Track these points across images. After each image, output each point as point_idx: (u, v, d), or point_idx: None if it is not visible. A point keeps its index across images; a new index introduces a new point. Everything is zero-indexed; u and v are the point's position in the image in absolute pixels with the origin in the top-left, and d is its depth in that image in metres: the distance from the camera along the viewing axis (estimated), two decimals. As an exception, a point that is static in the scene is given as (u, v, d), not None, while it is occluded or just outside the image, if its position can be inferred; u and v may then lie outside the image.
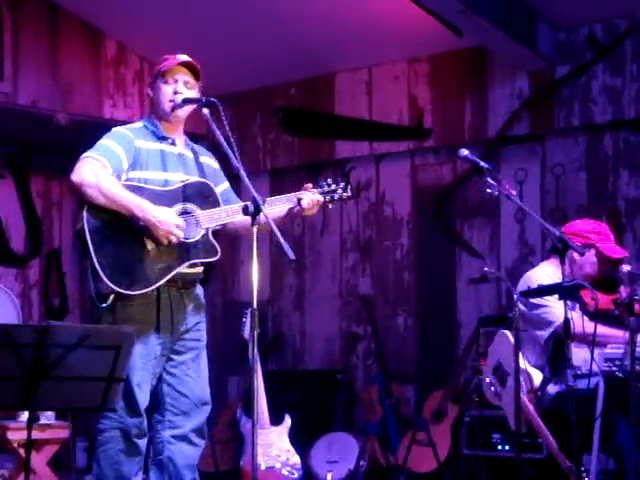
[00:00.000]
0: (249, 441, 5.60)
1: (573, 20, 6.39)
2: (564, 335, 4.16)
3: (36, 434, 5.33)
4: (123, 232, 3.86)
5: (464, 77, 6.90)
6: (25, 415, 5.04)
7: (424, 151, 7.21)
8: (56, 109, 7.02)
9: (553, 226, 4.53)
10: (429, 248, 7.20)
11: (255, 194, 3.73)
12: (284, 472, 5.67)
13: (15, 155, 7.96)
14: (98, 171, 3.85)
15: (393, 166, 7.33)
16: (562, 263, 4.30)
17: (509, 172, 6.69)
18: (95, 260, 3.80)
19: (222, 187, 4.16)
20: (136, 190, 3.89)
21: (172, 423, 4.04)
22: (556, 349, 4.76)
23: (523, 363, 4.57)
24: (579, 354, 4.56)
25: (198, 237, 3.93)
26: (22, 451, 5.45)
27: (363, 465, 6.48)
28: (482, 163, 4.32)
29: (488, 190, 4.28)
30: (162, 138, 4.06)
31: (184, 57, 4.08)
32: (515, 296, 4.49)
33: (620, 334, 4.61)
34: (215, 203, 3.99)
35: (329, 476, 6.52)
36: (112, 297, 3.84)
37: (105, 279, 3.79)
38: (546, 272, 4.89)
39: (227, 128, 3.86)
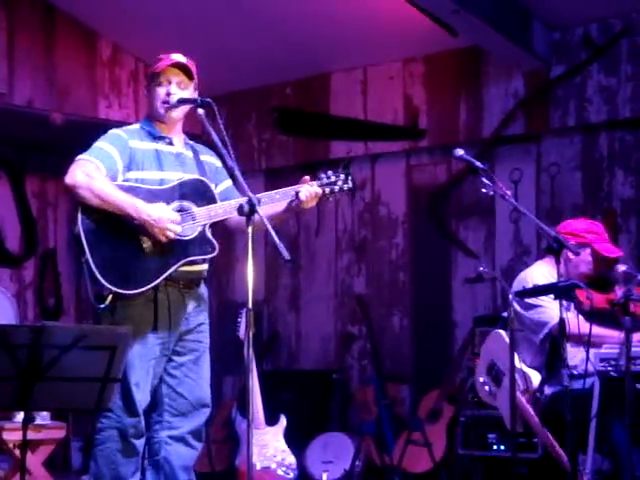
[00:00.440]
0: (244, 441, 5.59)
1: (568, 20, 6.40)
2: (559, 335, 4.16)
3: (31, 434, 5.32)
4: (118, 232, 3.86)
5: (459, 77, 6.91)
6: (20, 415, 5.05)
7: (419, 151, 7.21)
8: (51, 109, 7.02)
9: (548, 226, 4.53)
10: (424, 248, 7.20)
11: (250, 194, 3.72)
12: (279, 472, 5.67)
13: (10, 155, 7.95)
14: (91, 173, 3.85)
15: (388, 166, 7.34)
16: (557, 263, 4.30)
17: (504, 172, 6.70)
18: (91, 261, 3.80)
19: (224, 185, 4.14)
20: (131, 190, 3.89)
21: (170, 424, 4.04)
22: (552, 349, 4.76)
23: (519, 363, 4.57)
24: (575, 354, 4.57)
25: (195, 234, 3.92)
26: (17, 452, 5.44)
27: (358, 465, 6.48)
28: (477, 163, 4.32)
29: (483, 190, 4.28)
30: (159, 138, 4.05)
31: (177, 57, 4.07)
32: (510, 296, 4.50)
33: (615, 334, 4.61)
34: (212, 200, 3.98)
35: (324, 476, 6.52)
36: (110, 297, 3.84)
37: (102, 280, 3.79)
38: (541, 272, 4.89)
39: (222, 128, 3.86)
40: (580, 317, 4.55)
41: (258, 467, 5.58)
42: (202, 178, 4.02)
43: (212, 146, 3.93)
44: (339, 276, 7.55)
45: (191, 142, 4.17)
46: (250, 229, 3.65)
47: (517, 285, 4.83)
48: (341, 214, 7.55)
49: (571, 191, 6.55)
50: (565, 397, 4.08)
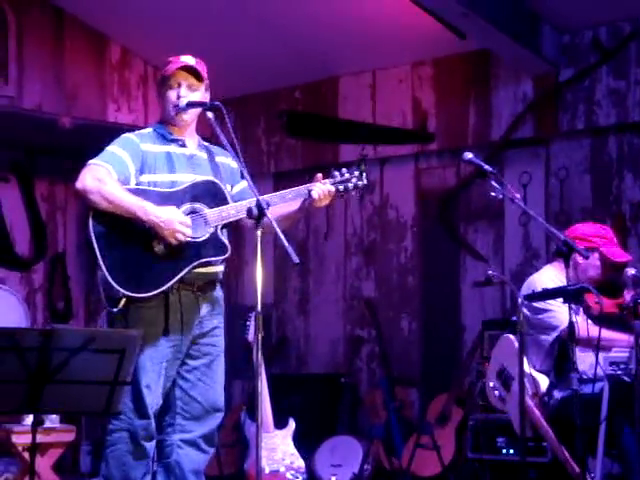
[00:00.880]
0: (253, 445, 5.60)
1: (577, 23, 6.39)
2: (569, 339, 4.16)
3: (41, 438, 5.34)
4: (130, 236, 3.86)
5: (468, 80, 6.90)
6: (30, 419, 5.06)
7: (428, 154, 7.21)
8: (60, 113, 7.03)
9: (557, 229, 4.53)
10: (433, 251, 7.20)
11: (259, 197, 3.72)
12: (288, 476, 5.67)
13: (20, 159, 7.97)
14: (101, 177, 3.86)
15: (397, 169, 7.33)
16: (566, 266, 4.29)
17: (513, 175, 6.69)
18: (103, 265, 3.82)
19: (240, 186, 4.11)
20: (142, 193, 3.89)
21: (182, 427, 4.03)
22: (561, 353, 4.76)
23: (528, 367, 4.57)
24: (584, 359, 4.56)
25: (207, 236, 3.92)
26: (27, 455, 5.45)
27: (367, 469, 6.48)
28: (486, 166, 4.31)
29: (492, 193, 4.28)
30: (171, 140, 4.06)
31: (187, 59, 4.06)
32: (520, 300, 4.49)
33: (625, 338, 4.60)
34: (223, 201, 3.95)
35: (333, 479, 6.52)
36: (123, 301, 3.85)
37: (114, 284, 3.81)
38: (549, 276, 4.88)
39: (231, 131, 3.86)
40: (589, 321, 4.54)
41: (267, 470, 5.58)
42: (214, 179, 4.00)
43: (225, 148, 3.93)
44: (348, 279, 7.55)
45: (206, 144, 4.15)
46: (259, 232, 3.65)
47: (526, 289, 4.83)
48: (350, 218, 7.55)
49: (580, 194, 6.54)
50: (575, 401, 4.08)
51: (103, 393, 3.55)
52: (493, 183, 4.27)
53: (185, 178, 3.98)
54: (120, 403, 3.64)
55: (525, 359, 4.38)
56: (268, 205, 3.74)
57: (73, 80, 7.12)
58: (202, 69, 4.07)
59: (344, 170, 4.10)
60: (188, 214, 3.91)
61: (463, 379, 6.58)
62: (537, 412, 4.60)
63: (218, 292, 4.09)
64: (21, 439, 5.50)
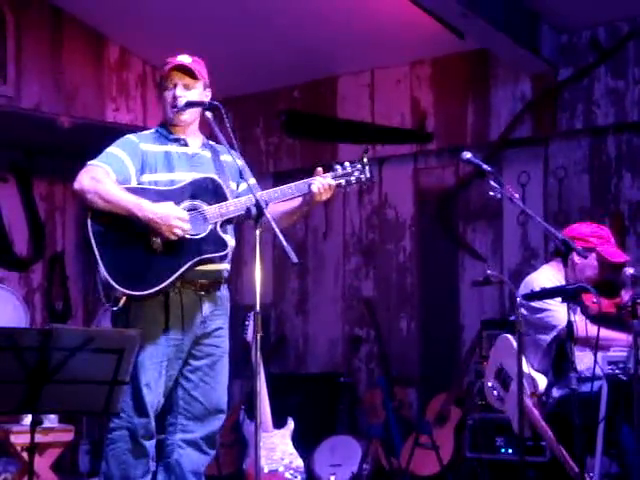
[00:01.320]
0: (252, 444, 5.60)
1: (576, 23, 6.39)
2: (568, 338, 4.16)
3: (39, 437, 5.34)
4: (129, 234, 3.87)
5: (466, 80, 6.91)
6: (28, 418, 5.05)
7: (427, 154, 7.21)
8: (59, 113, 7.03)
9: (556, 229, 4.53)
10: (432, 251, 7.20)
11: (257, 197, 3.72)
12: (287, 475, 5.67)
13: (18, 159, 7.97)
14: (98, 177, 3.88)
15: (396, 169, 7.33)
16: (565, 266, 4.29)
17: (512, 175, 6.69)
18: (102, 265, 3.82)
19: (245, 184, 4.08)
20: (140, 192, 3.89)
21: (184, 427, 4.03)
22: (559, 353, 4.76)
23: (526, 367, 4.57)
24: (582, 358, 4.56)
25: (206, 232, 3.91)
26: (25, 455, 5.43)
27: (366, 468, 6.48)
28: (485, 166, 4.31)
29: (491, 193, 4.27)
30: (173, 140, 4.06)
31: (182, 58, 4.06)
32: (518, 299, 4.49)
33: (623, 337, 4.61)
34: (223, 198, 3.94)
35: (332, 479, 6.52)
36: (124, 299, 3.86)
37: (113, 283, 3.81)
38: (547, 276, 4.89)
39: (230, 131, 3.86)
40: (587, 320, 4.55)
41: (266, 470, 5.58)
42: (213, 176, 3.99)
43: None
44: (347, 279, 7.55)
45: (212, 143, 4.12)
46: (258, 231, 3.65)
47: (523, 289, 4.83)
48: (349, 217, 7.56)
49: (579, 194, 6.54)
50: (573, 400, 4.08)
51: (102, 393, 3.56)
52: (492, 183, 4.27)
53: (184, 177, 3.98)
54: (119, 403, 3.65)
55: (524, 359, 4.38)
56: (267, 204, 3.74)
57: (71, 80, 7.11)
58: (198, 67, 4.06)
59: (347, 164, 4.05)
60: (187, 211, 3.91)
61: (462, 379, 6.59)
62: (535, 412, 4.60)
63: (223, 292, 4.08)
64: (20, 439, 5.50)
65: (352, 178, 4.04)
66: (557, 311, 4.70)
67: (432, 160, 7.23)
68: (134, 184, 3.95)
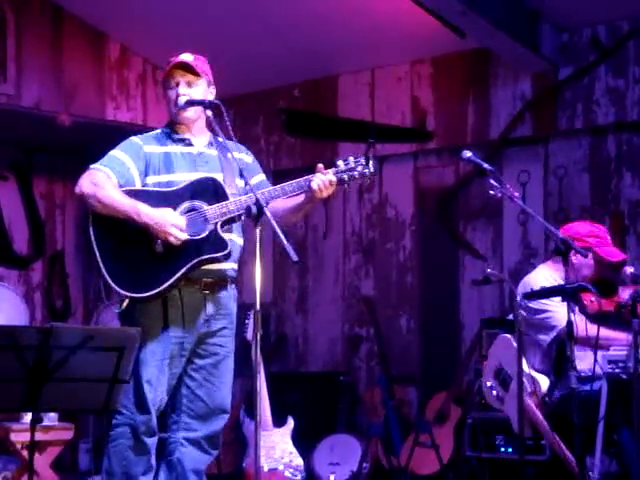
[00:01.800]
0: (252, 443, 5.61)
1: (576, 21, 6.39)
2: (567, 338, 4.16)
3: (39, 436, 5.34)
4: (129, 237, 3.88)
5: (467, 79, 6.90)
6: (28, 417, 5.06)
7: (427, 153, 7.21)
8: (59, 111, 7.03)
9: (556, 228, 4.53)
10: (432, 250, 7.20)
11: (258, 195, 3.72)
12: (287, 474, 5.67)
13: (18, 157, 7.97)
14: (98, 181, 3.90)
15: (396, 168, 7.33)
16: (565, 265, 4.29)
17: (512, 174, 6.69)
18: (103, 269, 3.86)
19: (256, 179, 4.08)
20: (142, 194, 3.90)
21: (187, 425, 4.04)
22: (558, 353, 4.76)
23: (526, 367, 4.56)
24: (582, 358, 4.56)
25: (206, 233, 3.91)
26: (25, 453, 5.46)
27: (366, 467, 6.48)
28: (485, 165, 4.31)
29: (491, 192, 4.27)
30: (177, 140, 4.06)
31: (184, 56, 4.06)
32: (518, 298, 4.49)
33: (623, 336, 4.61)
34: (223, 198, 3.93)
35: (332, 478, 6.52)
36: (126, 302, 3.88)
37: (115, 286, 3.84)
38: (544, 275, 4.88)
39: (230, 129, 3.86)
40: (586, 319, 4.55)
41: (265, 469, 5.59)
42: (214, 176, 3.99)
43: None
44: (347, 278, 7.55)
45: (220, 140, 4.07)
46: (258, 230, 3.65)
47: (521, 289, 4.82)
48: (349, 216, 7.56)
49: (579, 193, 6.54)
50: (573, 399, 4.08)
51: (102, 391, 3.56)
52: (492, 182, 4.27)
53: (187, 177, 3.98)
54: (119, 401, 3.65)
55: (523, 359, 4.38)
56: (267, 203, 3.74)
57: (72, 78, 7.11)
58: (199, 64, 4.06)
59: (350, 159, 4.01)
60: (187, 212, 3.91)
61: (462, 377, 6.59)
62: (537, 412, 4.60)
63: (229, 292, 4.07)
64: (20, 437, 5.50)
65: (355, 173, 4.00)
66: (556, 311, 4.70)
67: (432, 159, 7.22)
68: (138, 186, 3.96)
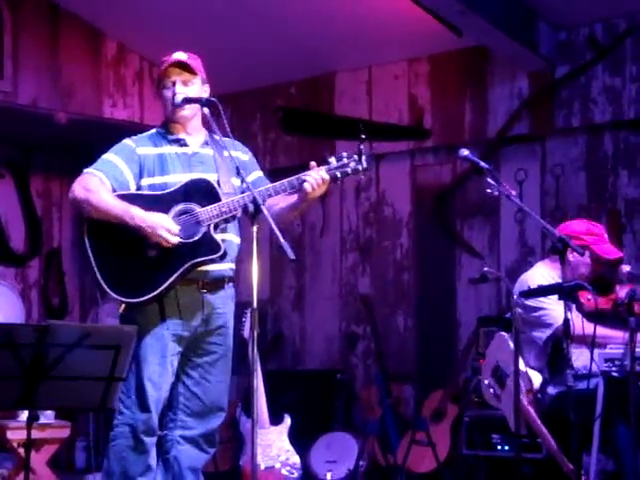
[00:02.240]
0: (249, 441, 5.60)
1: (573, 20, 6.39)
2: (564, 336, 4.16)
3: (36, 433, 5.33)
4: (124, 242, 3.89)
5: (464, 77, 6.90)
6: (25, 414, 5.04)
7: (424, 151, 7.21)
8: (56, 109, 7.02)
9: (553, 226, 4.53)
10: (429, 248, 7.20)
11: (255, 194, 3.72)
12: (284, 472, 5.68)
13: (15, 155, 7.96)
14: (90, 186, 3.90)
15: (393, 166, 7.33)
16: (562, 263, 4.29)
17: (509, 172, 6.69)
18: (99, 276, 3.87)
19: (252, 176, 4.07)
20: (135, 198, 3.91)
21: (183, 423, 4.04)
22: (555, 350, 4.76)
23: (522, 365, 4.57)
24: (579, 356, 4.56)
25: (200, 235, 3.91)
26: (22, 451, 5.45)
27: (362, 465, 6.48)
28: (482, 163, 4.31)
29: (488, 190, 4.27)
30: (172, 141, 4.05)
31: (178, 55, 4.06)
32: (515, 296, 4.49)
33: (619, 334, 4.61)
34: (216, 199, 3.92)
35: (328, 476, 6.52)
36: (123, 306, 3.92)
37: (112, 293, 3.86)
38: (541, 273, 4.89)
39: (227, 127, 3.85)
40: (583, 318, 4.55)
41: (262, 467, 5.59)
42: (206, 178, 3.98)
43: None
44: (344, 276, 7.55)
45: (217, 138, 4.04)
46: (255, 228, 3.64)
47: (519, 287, 4.82)
48: (346, 214, 7.55)
49: (576, 191, 6.54)
50: (569, 397, 4.08)
51: (98, 389, 3.56)
52: (489, 180, 4.27)
53: (181, 178, 3.97)
54: (115, 399, 3.65)
55: (520, 357, 4.39)
56: (264, 201, 3.74)
57: (68, 76, 7.10)
58: (195, 63, 4.06)
59: (343, 154, 3.98)
60: (180, 215, 3.90)
61: (458, 376, 6.59)
62: (531, 410, 4.60)
63: (227, 291, 4.08)
64: (16, 435, 5.50)
65: (348, 169, 3.97)
66: (553, 309, 4.70)
67: (429, 157, 7.22)
68: (133, 189, 3.95)
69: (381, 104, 7.26)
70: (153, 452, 4.00)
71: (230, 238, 4.00)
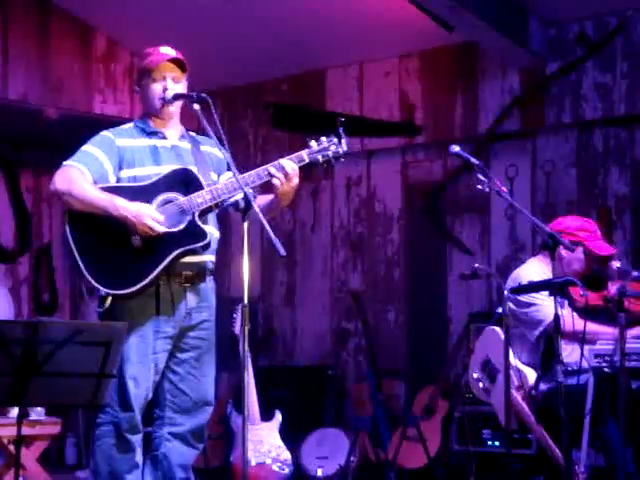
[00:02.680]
0: (239, 437, 5.61)
1: (564, 17, 6.40)
2: (554, 332, 4.16)
3: (26, 430, 5.32)
4: (107, 234, 3.85)
5: (455, 73, 6.91)
6: (15, 411, 5.04)
7: (415, 147, 7.21)
8: (46, 104, 7.00)
9: (543, 223, 4.53)
10: (420, 244, 7.20)
11: (245, 189, 3.71)
12: (274, 468, 5.67)
13: (5, 150, 7.94)
14: (72, 177, 3.88)
15: (384, 162, 7.34)
16: (553, 259, 4.30)
17: (500, 169, 6.70)
18: (83, 268, 3.82)
19: (226, 176, 4.07)
20: (115, 190, 3.88)
21: (172, 420, 4.03)
22: (546, 346, 4.77)
23: (513, 360, 4.58)
24: (569, 352, 4.57)
25: (184, 224, 3.89)
26: (12, 447, 5.43)
27: (353, 461, 6.48)
28: (473, 160, 4.31)
29: (479, 186, 4.27)
30: (151, 133, 4.04)
31: (167, 50, 4.05)
32: (505, 292, 4.50)
33: (610, 331, 4.62)
34: (198, 188, 3.91)
35: (319, 472, 6.53)
36: (110, 299, 3.86)
37: (96, 285, 3.82)
38: (534, 269, 4.89)
39: (218, 123, 3.84)
40: (574, 314, 4.56)
41: (253, 463, 5.59)
42: (188, 168, 3.98)
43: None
44: (335, 272, 7.55)
45: (192, 134, 4.10)
46: (246, 224, 3.64)
47: (511, 283, 4.83)
48: (337, 210, 7.56)
49: (566, 188, 6.55)
50: (560, 393, 4.09)
51: (89, 386, 3.55)
52: (480, 176, 4.27)
53: (162, 170, 3.95)
54: (106, 396, 3.64)
55: (510, 351, 4.39)
56: (255, 197, 3.73)
57: (59, 71, 7.09)
58: (185, 63, 4.07)
59: (322, 139, 3.99)
60: (163, 204, 3.89)
61: (449, 372, 6.60)
62: (523, 404, 4.61)
63: (208, 284, 4.06)
64: (6, 432, 5.47)
65: (329, 152, 3.99)
66: (544, 306, 4.71)
67: (420, 153, 7.23)
68: (112, 181, 3.93)
69: (372, 100, 7.26)
70: (138, 449, 3.99)
71: (210, 230, 3.99)
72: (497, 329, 4.72)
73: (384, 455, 6.33)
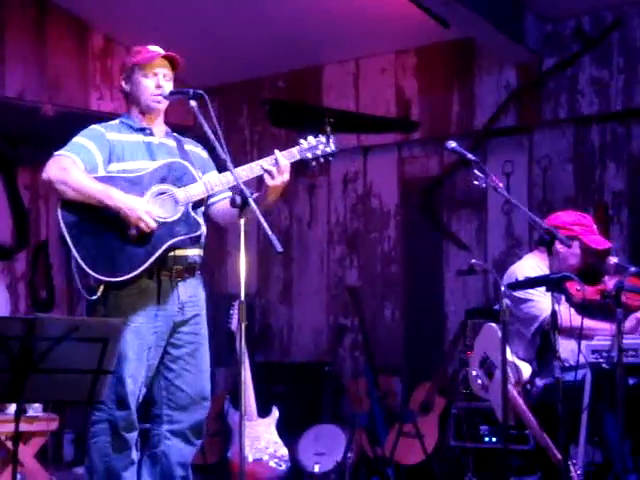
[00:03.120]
0: (237, 433, 5.60)
1: (560, 12, 6.40)
2: (551, 328, 4.17)
3: (24, 426, 5.32)
4: (101, 222, 3.86)
5: (451, 69, 6.91)
6: (13, 407, 5.04)
7: (411, 143, 7.21)
8: (43, 101, 6.99)
9: (540, 218, 4.54)
10: (416, 240, 7.21)
11: (242, 186, 3.72)
12: (272, 464, 5.68)
13: (1, 147, 7.93)
14: (66, 167, 3.88)
15: (380, 158, 7.33)
16: (549, 255, 4.30)
17: (496, 164, 6.70)
18: (76, 254, 3.82)
19: (209, 175, 4.09)
20: (109, 180, 3.89)
21: (170, 417, 4.02)
22: (543, 342, 4.77)
23: (511, 356, 4.58)
24: (567, 347, 4.58)
25: (178, 214, 3.90)
26: (9, 444, 5.44)
27: (350, 457, 6.48)
28: (469, 155, 4.32)
29: (475, 182, 4.28)
30: (138, 130, 4.05)
31: (157, 49, 4.08)
32: (502, 288, 4.50)
33: (607, 326, 4.62)
34: (192, 180, 3.95)
35: (316, 468, 6.53)
36: (101, 288, 3.85)
37: (89, 271, 3.81)
38: (530, 265, 4.90)
39: (214, 120, 3.84)
40: (571, 309, 4.56)
41: (250, 459, 5.59)
42: (180, 160, 3.99)
43: (204, 138, 3.91)
44: (331, 268, 7.55)
45: (175, 134, 4.15)
46: (242, 221, 3.64)
47: (507, 279, 4.83)
48: (333, 206, 7.56)
49: (563, 183, 6.56)
50: (557, 389, 4.09)
51: (86, 382, 3.55)
52: (476, 172, 4.27)
53: (147, 165, 3.97)
54: (103, 393, 3.64)
55: (508, 347, 4.40)
56: (252, 193, 3.74)
57: (55, 68, 7.08)
58: (178, 61, 4.09)
59: (310, 138, 4.06)
60: (157, 195, 3.90)
61: (446, 368, 6.60)
62: (520, 400, 4.62)
63: (197, 278, 4.07)
64: (4, 428, 5.47)
65: (318, 151, 4.06)
66: (540, 301, 4.71)
67: (417, 149, 7.23)
68: (102, 173, 3.94)
69: (368, 96, 7.26)
70: (134, 447, 3.99)
71: (201, 221, 4.01)
72: (494, 325, 4.72)
73: (381, 451, 6.34)
